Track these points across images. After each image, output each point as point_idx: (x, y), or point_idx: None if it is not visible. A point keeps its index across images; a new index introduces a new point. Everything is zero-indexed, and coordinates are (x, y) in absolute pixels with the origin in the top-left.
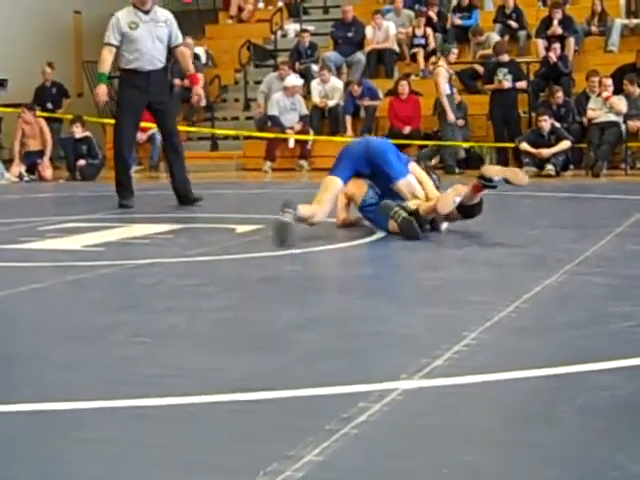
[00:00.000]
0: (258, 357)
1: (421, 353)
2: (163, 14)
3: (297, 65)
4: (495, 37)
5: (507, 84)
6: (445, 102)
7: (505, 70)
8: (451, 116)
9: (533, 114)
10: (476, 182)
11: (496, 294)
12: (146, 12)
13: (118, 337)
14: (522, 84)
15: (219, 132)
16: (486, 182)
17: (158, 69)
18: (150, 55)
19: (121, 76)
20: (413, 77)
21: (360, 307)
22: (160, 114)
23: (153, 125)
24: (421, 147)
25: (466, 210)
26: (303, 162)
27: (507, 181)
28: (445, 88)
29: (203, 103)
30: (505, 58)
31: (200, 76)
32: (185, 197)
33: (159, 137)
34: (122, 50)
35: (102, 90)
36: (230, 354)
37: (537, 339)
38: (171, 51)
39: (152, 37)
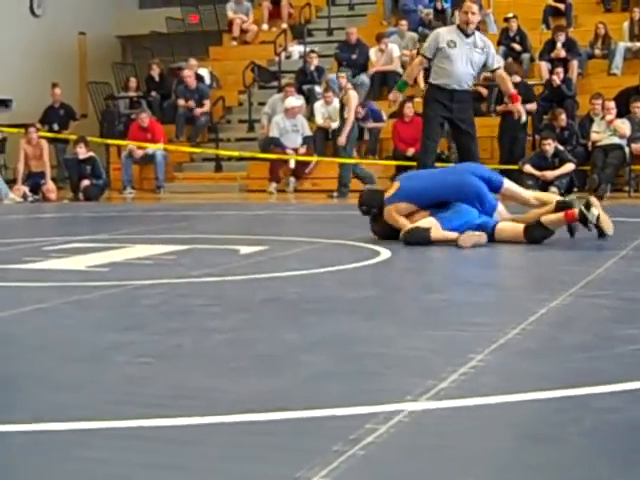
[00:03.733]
0: (263, 378)
1: (427, 375)
2: (482, 40)
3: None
4: (498, 59)
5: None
6: (348, 126)
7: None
8: (342, 140)
9: (537, 136)
10: (574, 213)
11: (501, 316)
12: (467, 35)
13: (122, 357)
14: (532, 106)
15: (223, 153)
16: (583, 221)
17: (463, 90)
18: (459, 76)
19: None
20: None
21: (364, 329)
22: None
23: (149, 145)
24: None
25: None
26: (291, 179)
27: (598, 227)
28: (352, 114)
29: (523, 119)
30: (515, 79)
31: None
32: None
33: (160, 155)
34: (434, 65)
35: (396, 97)
36: (235, 375)
37: (543, 361)
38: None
39: (466, 59)
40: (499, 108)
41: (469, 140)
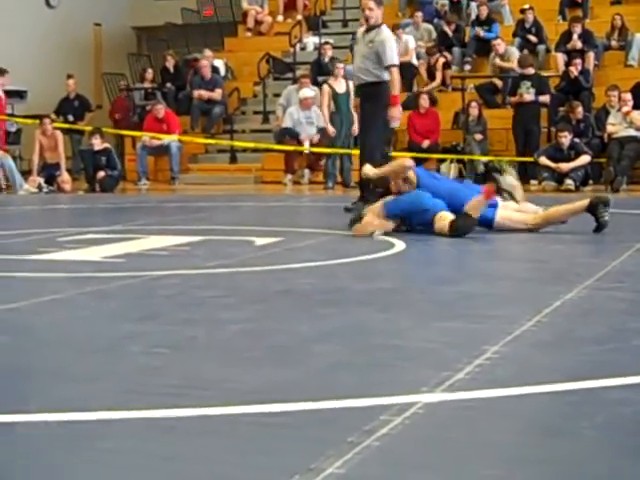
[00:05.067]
0: (277, 369)
1: (442, 366)
2: (380, 36)
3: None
4: (514, 51)
5: (529, 97)
6: (326, 118)
7: (528, 83)
8: (330, 129)
9: (552, 129)
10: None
11: (516, 308)
12: (367, 31)
13: (137, 348)
14: (545, 98)
15: (238, 144)
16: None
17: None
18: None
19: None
20: (433, 85)
21: (379, 320)
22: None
23: (164, 135)
24: (440, 161)
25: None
26: (306, 171)
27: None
28: (326, 104)
29: (394, 125)
30: (530, 71)
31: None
32: None
33: (175, 147)
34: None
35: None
36: (249, 366)
37: (558, 354)
38: None
39: (360, 54)
40: (512, 99)
41: (362, 137)
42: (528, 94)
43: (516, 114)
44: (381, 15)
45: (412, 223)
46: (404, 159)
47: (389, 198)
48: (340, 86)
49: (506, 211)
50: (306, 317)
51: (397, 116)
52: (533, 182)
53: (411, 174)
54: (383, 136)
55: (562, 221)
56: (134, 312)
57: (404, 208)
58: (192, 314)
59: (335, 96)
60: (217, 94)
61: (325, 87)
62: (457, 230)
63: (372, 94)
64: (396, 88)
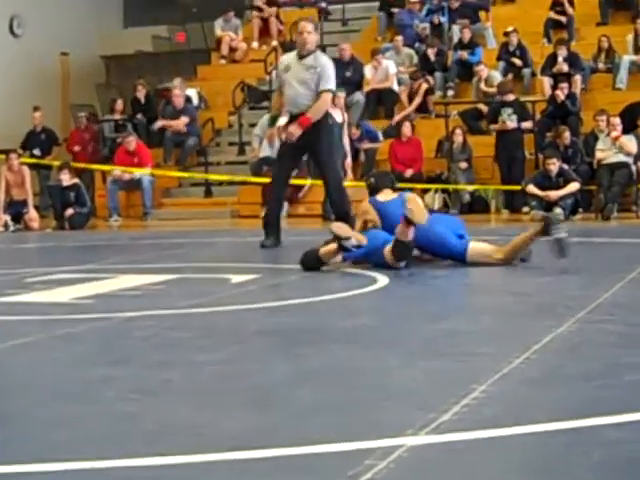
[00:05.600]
0: (256, 413)
1: (427, 407)
2: (317, 60)
3: None
4: (496, 75)
5: (511, 124)
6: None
7: (509, 110)
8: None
9: (540, 155)
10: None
11: (504, 345)
12: (302, 56)
13: (110, 393)
14: (527, 124)
15: (213, 178)
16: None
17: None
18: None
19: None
20: (414, 116)
21: (361, 359)
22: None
23: (136, 169)
24: (424, 191)
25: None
26: (285, 204)
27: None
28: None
29: (291, 138)
30: (510, 97)
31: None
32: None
33: (147, 181)
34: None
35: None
36: (227, 410)
37: (548, 391)
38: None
39: (298, 81)
40: (493, 127)
41: (323, 171)
42: (510, 121)
43: (498, 142)
44: (317, 40)
45: (370, 263)
46: (362, 205)
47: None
48: (338, 116)
49: (477, 244)
50: (285, 357)
51: (293, 133)
52: (525, 210)
53: (370, 215)
54: (339, 162)
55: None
56: (106, 355)
57: (363, 252)
58: (167, 356)
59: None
60: (181, 123)
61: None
62: (398, 258)
63: (320, 126)
64: (318, 113)
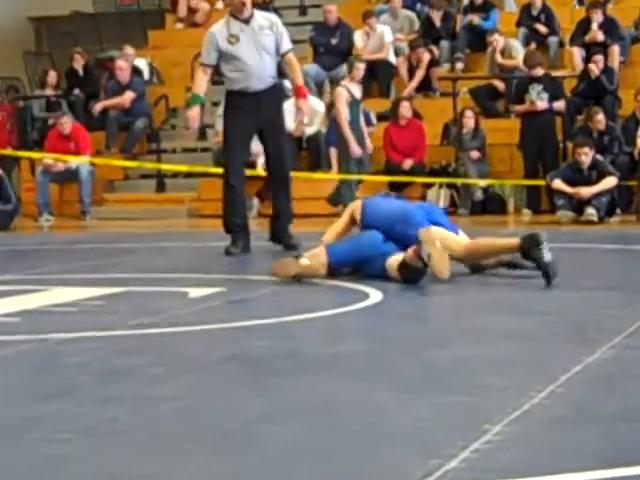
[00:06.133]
0: (220, 459)
1: (430, 452)
2: (266, 19)
3: None
4: (515, 45)
5: (542, 105)
6: (347, 132)
7: (539, 87)
8: (355, 149)
9: (569, 143)
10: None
11: (524, 376)
12: (246, 21)
13: (39, 434)
14: (559, 104)
15: (167, 168)
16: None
17: (269, 87)
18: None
19: (226, 98)
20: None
21: (350, 393)
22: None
23: (71, 157)
24: (426, 186)
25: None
26: (254, 201)
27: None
28: (345, 114)
29: (307, 131)
30: (539, 72)
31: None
32: (281, 240)
33: (85, 171)
34: (224, 70)
35: (195, 113)
36: (183, 455)
37: (578, 434)
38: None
39: (256, 49)
40: (518, 108)
41: (280, 149)
42: (540, 101)
43: (525, 126)
44: None
45: (365, 271)
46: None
47: (332, 243)
48: (357, 90)
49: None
50: (256, 390)
51: (309, 111)
52: (564, 213)
53: (356, 213)
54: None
55: (485, 263)
56: (34, 387)
57: (356, 256)
58: (110, 389)
59: (352, 104)
60: (126, 99)
61: (341, 91)
62: (407, 281)
63: (279, 99)
64: (301, 76)
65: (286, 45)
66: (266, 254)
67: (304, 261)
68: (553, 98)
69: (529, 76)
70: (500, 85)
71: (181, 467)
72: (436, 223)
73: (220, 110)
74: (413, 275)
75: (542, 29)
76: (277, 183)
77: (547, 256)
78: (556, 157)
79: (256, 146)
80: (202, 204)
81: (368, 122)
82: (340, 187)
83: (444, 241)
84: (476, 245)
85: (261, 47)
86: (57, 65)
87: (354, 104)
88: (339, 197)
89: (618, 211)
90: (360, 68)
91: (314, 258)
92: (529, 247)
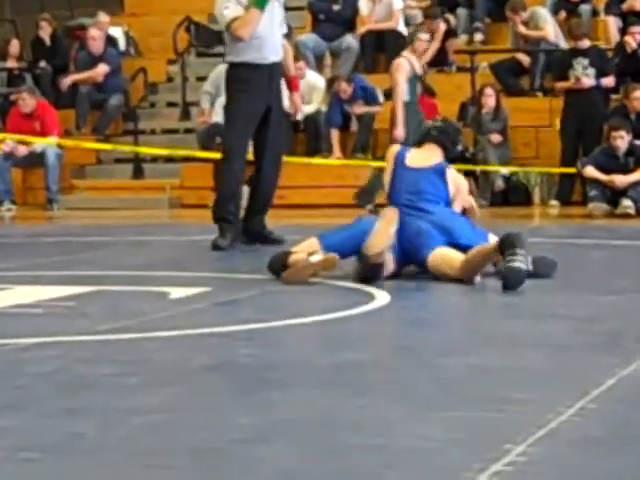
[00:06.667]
0: None
1: (443, 476)
2: None
3: None
4: (544, 14)
5: (588, 81)
6: (400, 111)
7: (585, 61)
8: (397, 132)
9: (603, 125)
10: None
11: (552, 389)
12: None
13: None
14: (609, 80)
15: (145, 151)
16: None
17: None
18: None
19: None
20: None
21: (351, 409)
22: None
23: (36, 139)
24: None
25: None
26: (245, 189)
27: None
28: (404, 90)
29: (299, 116)
30: (585, 44)
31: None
32: (261, 234)
33: (53, 155)
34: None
35: (255, 16)
36: (160, 477)
37: (612, 456)
38: None
39: (271, 18)
40: (561, 85)
41: (281, 131)
42: (586, 77)
43: (567, 106)
44: None
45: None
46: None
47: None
48: (418, 65)
49: (445, 248)
50: (245, 405)
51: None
52: (597, 206)
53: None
54: None
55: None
56: None
57: (352, 246)
58: (77, 401)
59: (413, 79)
60: (99, 73)
61: (403, 62)
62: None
63: (280, 76)
64: (293, 64)
65: (284, 22)
66: (256, 249)
67: (315, 258)
68: (601, 74)
69: (574, 49)
70: (525, 59)
71: None
72: (455, 244)
73: (207, 86)
74: (365, 269)
75: None
76: (269, 166)
77: (517, 262)
78: (599, 142)
79: None
80: (185, 192)
81: (373, 101)
82: (374, 180)
83: (451, 261)
84: (465, 261)
85: (274, 17)
86: (20, 34)
87: (414, 80)
88: (372, 194)
89: None
90: (423, 40)
91: (307, 250)
92: (504, 248)
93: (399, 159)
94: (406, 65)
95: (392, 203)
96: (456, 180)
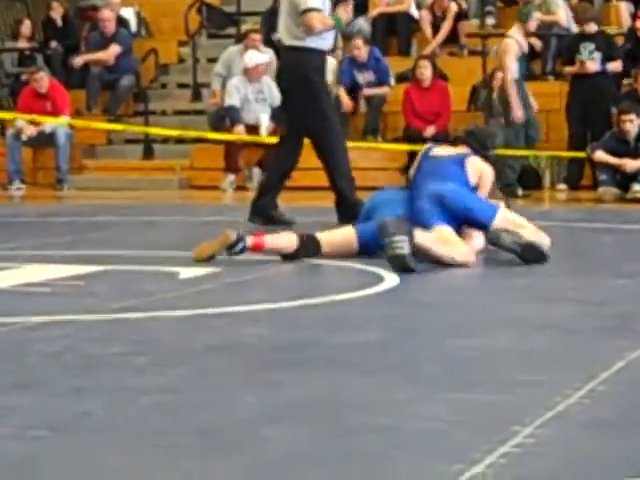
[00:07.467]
0: (209, 461)
1: (451, 457)
2: None
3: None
4: None
5: (593, 66)
6: (513, 91)
7: (591, 46)
8: (519, 113)
9: (613, 109)
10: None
11: (560, 372)
12: None
13: (6, 430)
14: (615, 65)
15: (155, 132)
16: None
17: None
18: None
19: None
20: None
21: (360, 390)
22: None
23: (48, 118)
24: None
25: None
26: (255, 171)
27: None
28: (514, 70)
29: None
30: (592, 28)
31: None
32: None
33: (63, 135)
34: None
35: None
36: (168, 456)
37: (621, 438)
38: None
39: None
40: (568, 69)
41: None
42: (592, 61)
43: (572, 90)
44: None
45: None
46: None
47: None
48: (525, 44)
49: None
50: (252, 385)
51: None
52: (607, 190)
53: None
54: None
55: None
56: (2, 377)
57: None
58: (85, 380)
59: (521, 58)
60: (111, 54)
61: (511, 43)
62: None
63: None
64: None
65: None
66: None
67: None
68: (607, 58)
69: (581, 33)
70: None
71: (165, 468)
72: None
73: (218, 68)
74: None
75: None
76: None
77: (399, 248)
78: (606, 126)
79: (261, 111)
80: (195, 173)
81: (384, 80)
82: None
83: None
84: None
85: (327, 10)
86: (32, 14)
87: (522, 58)
88: None
89: None
90: (537, 19)
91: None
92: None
93: (426, 152)
94: (514, 45)
95: (412, 187)
96: (480, 169)
